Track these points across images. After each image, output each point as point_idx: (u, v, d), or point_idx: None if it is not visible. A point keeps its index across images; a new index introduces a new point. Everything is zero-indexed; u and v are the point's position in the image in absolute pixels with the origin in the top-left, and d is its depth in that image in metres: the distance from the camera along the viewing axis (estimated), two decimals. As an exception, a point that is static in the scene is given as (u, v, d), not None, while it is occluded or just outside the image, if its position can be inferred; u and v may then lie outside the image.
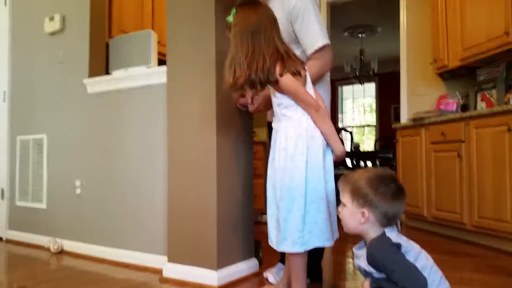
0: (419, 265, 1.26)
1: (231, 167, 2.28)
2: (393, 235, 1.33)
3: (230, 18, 1.81)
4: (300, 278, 1.80)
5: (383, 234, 1.32)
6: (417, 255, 1.29)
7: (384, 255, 1.27)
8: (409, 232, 3.71)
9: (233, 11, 1.80)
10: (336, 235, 1.85)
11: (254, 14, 1.76)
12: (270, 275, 2.24)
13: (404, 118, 4.49)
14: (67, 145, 3.14)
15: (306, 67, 1.86)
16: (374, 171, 1.39)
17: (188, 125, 2.31)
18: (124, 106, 2.78)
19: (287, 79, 1.73)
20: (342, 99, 9.64)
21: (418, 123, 3.86)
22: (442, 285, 1.28)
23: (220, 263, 2.17)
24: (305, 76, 1.80)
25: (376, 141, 8.21)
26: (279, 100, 1.81)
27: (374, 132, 9.13)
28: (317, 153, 1.75)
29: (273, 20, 1.80)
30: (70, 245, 3.02)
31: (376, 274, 1.31)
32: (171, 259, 2.33)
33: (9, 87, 3.62)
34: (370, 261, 1.31)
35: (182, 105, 2.34)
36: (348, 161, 6.85)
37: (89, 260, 2.78)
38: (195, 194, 2.26)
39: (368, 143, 9.28)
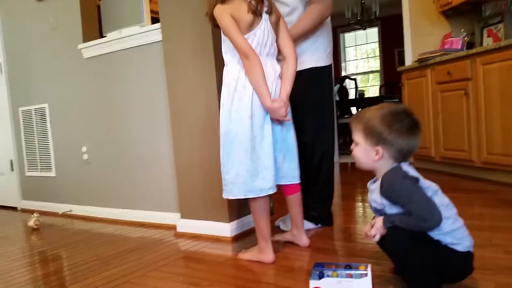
0: (438, 201, 1.25)
1: (235, 121, 2.26)
2: (411, 170, 1.31)
3: None
4: (257, 223, 1.79)
5: (398, 166, 1.30)
6: (434, 193, 1.27)
7: (401, 186, 1.25)
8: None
9: None
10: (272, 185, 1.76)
11: None
12: (282, 223, 2.27)
13: (409, 61, 4.39)
14: (69, 112, 3.13)
15: (268, 14, 1.73)
16: (387, 107, 1.33)
17: (187, 81, 2.27)
18: (121, 68, 2.73)
19: (217, 9, 1.67)
20: (344, 47, 9.43)
21: (423, 64, 3.77)
22: (457, 222, 1.27)
23: (232, 216, 2.20)
24: (251, 19, 1.66)
25: (381, 87, 8.09)
26: (223, 44, 1.77)
27: (378, 79, 8.99)
28: (246, 103, 1.70)
29: None
30: (83, 210, 3.08)
31: (388, 207, 1.30)
32: (184, 215, 2.37)
33: (4, 59, 3.58)
34: (385, 192, 1.29)
35: (180, 61, 2.28)
36: (354, 109, 6.79)
37: (104, 223, 2.84)
38: (200, 150, 2.25)
39: (373, 90, 9.15)
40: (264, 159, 1.73)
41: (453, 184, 3.13)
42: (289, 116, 1.83)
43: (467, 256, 1.27)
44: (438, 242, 1.25)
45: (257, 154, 1.72)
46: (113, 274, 1.80)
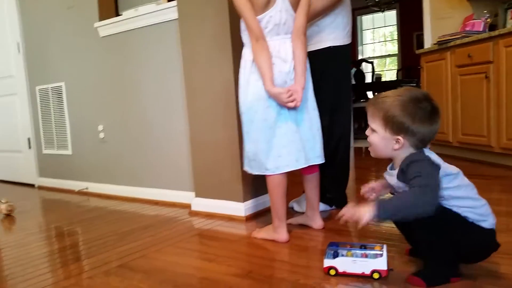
0: (454, 184, 1.23)
1: (251, 100, 2.24)
2: (433, 156, 1.26)
3: None
4: (272, 201, 1.79)
5: (422, 151, 1.27)
6: (454, 177, 1.24)
7: (420, 167, 1.22)
8: (434, 159, 3.65)
9: None
10: (302, 162, 1.76)
11: None
12: (296, 205, 2.26)
13: (428, 44, 4.29)
14: (86, 91, 3.15)
15: None
16: (407, 93, 1.27)
17: (203, 59, 2.25)
18: (137, 46, 2.73)
19: None
20: (361, 30, 9.27)
21: (443, 46, 3.68)
22: (478, 201, 1.26)
23: (246, 196, 2.21)
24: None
25: (398, 71, 7.95)
26: (241, 24, 1.76)
27: (396, 63, 8.82)
28: (262, 84, 1.70)
29: None
30: (99, 187, 3.12)
31: (403, 190, 1.28)
32: (198, 194, 2.38)
33: (22, 38, 3.60)
34: (401, 170, 1.27)
35: (196, 40, 2.27)
36: (370, 94, 6.70)
37: (119, 200, 2.88)
38: (215, 129, 2.25)
39: (389, 74, 9.00)
40: (282, 138, 1.73)
41: (470, 170, 3.08)
42: (311, 98, 1.82)
43: (492, 232, 1.26)
44: (465, 219, 1.23)
45: (273, 132, 1.73)
46: (129, 248, 1.83)
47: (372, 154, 1.38)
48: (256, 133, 1.75)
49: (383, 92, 1.34)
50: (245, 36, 1.77)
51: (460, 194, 1.25)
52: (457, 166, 1.28)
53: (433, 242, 1.24)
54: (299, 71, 1.71)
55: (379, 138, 1.31)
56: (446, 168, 1.25)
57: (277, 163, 1.73)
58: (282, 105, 1.71)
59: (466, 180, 1.28)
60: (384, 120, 1.27)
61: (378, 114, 1.29)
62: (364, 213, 1.23)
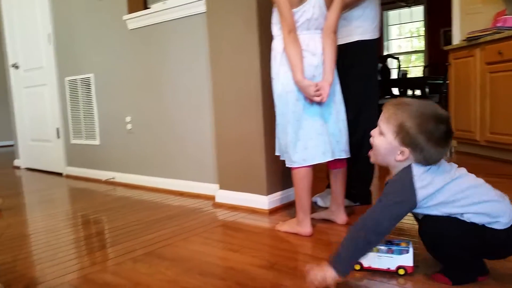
0: (446, 194, 1.19)
1: (276, 94, 2.25)
2: (420, 171, 1.22)
3: None
4: (298, 194, 1.79)
5: (410, 169, 1.23)
6: (439, 193, 1.20)
7: (394, 185, 1.24)
8: (460, 157, 3.59)
9: None
10: (329, 156, 1.77)
11: None
12: (320, 200, 2.26)
13: (457, 40, 4.20)
14: (114, 82, 3.21)
15: None
16: (431, 108, 1.22)
17: (231, 53, 2.27)
18: (165, 39, 2.76)
19: None
20: (387, 25, 9.13)
21: (472, 43, 3.59)
22: (485, 203, 1.20)
23: (270, 189, 2.22)
24: None
25: (425, 67, 7.80)
26: (274, 16, 1.78)
27: (422, 59, 8.66)
28: (291, 76, 1.71)
29: None
30: (126, 177, 3.18)
31: None
32: (222, 187, 2.40)
33: (53, 29, 3.68)
34: (386, 183, 1.28)
35: (224, 33, 2.28)
36: (395, 90, 6.60)
37: (145, 190, 2.93)
38: (241, 123, 2.26)
39: (415, 71, 8.85)
40: (309, 130, 1.74)
41: (496, 169, 3.01)
42: (338, 92, 1.83)
43: (508, 231, 1.19)
44: (473, 224, 1.19)
45: (300, 125, 1.75)
46: (155, 237, 1.87)
47: (371, 159, 1.34)
48: (285, 125, 1.77)
49: (406, 98, 1.30)
50: (276, 28, 1.78)
51: (455, 205, 1.20)
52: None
53: (443, 250, 1.23)
54: (328, 68, 1.72)
55: (385, 143, 1.26)
56: (428, 186, 1.21)
57: (304, 155, 1.75)
58: (308, 98, 1.72)
59: (464, 185, 1.22)
60: (398, 127, 1.22)
61: (394, 119, 1.24)
62: (327, 275, 1.20)
